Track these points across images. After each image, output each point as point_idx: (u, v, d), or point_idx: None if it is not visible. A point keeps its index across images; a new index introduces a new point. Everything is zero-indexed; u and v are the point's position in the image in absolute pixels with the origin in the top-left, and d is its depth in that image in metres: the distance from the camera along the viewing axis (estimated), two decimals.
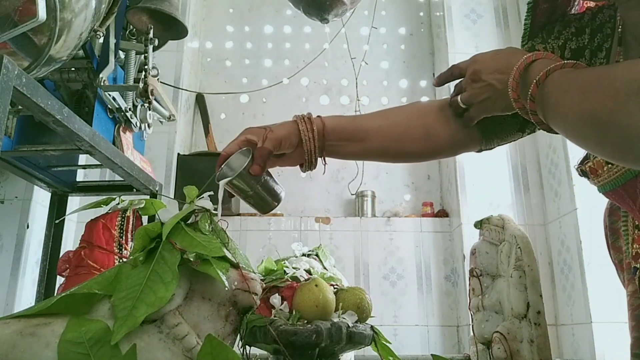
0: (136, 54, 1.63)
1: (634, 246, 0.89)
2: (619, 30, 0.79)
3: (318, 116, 0.88)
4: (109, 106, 1.51)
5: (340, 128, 0.87)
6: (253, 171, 0.78)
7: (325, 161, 0.89)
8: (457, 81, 0.86)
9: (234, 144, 0.85)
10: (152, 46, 1.61)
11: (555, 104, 0.67)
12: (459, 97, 0.83)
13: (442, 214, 2.78)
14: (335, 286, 1.15)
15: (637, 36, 0.75)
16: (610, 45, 0.81)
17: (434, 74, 3.11)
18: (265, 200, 0.82)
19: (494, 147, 0.94)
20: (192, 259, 0.71)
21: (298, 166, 0.90)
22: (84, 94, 1.49)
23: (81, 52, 1.36)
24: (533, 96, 0.69)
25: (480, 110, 0.81)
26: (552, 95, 0.67)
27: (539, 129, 0.77)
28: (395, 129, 0.88)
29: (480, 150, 0.94)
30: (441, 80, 0.87)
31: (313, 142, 0.84)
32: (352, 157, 0.91)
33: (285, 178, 2.91)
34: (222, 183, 0.78)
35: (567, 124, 0.65)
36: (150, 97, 1.57)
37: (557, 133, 0.70)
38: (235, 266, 0.75)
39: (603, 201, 0.97)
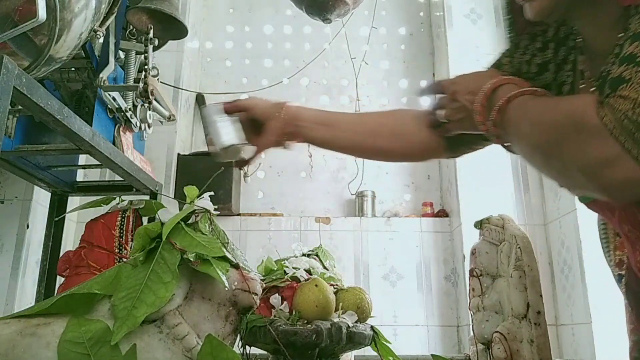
0: (136, 54, 1.63)
1: (617, 253, 0.91)
2: (579, 40, 0.81)
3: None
4: (109, 106, 1.51)
5: (314, 113, 0.94)
6: (219, 108, 0.93)
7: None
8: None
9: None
10: (152, 46, 1.61)
11: (513, 132, 0.73)
12: (439, 112, 0.87)
13: (442, 214, 2.78)
14: (335, 286, 1.15)
15: (596, 50, 0.77)
16: (575, 58, 0.82)
17: (434, 74, 3.11)
18: (212, 139, 0.95)
19: (461, 155, 0.98)
20: (192, 259, 0.71)
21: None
22: (84, 94, 1.49)
23: (81, 52, 1.36)
24: (496, 122, 0.74)
25: (457, 128, 0.86)
26: (510, 123, 0.73)
27: None
28: (366, 124, 0.95)
29: (449, 157, 0.98)
30: (424, 93, 0.92)
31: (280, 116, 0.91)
32: (323, 143, 0.94)
33: (285, 178, 2.91)
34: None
35: (523, 151, 0.73)
36: (150, 97, 1.57)
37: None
38: (236, 266, 0.75)
39: None
